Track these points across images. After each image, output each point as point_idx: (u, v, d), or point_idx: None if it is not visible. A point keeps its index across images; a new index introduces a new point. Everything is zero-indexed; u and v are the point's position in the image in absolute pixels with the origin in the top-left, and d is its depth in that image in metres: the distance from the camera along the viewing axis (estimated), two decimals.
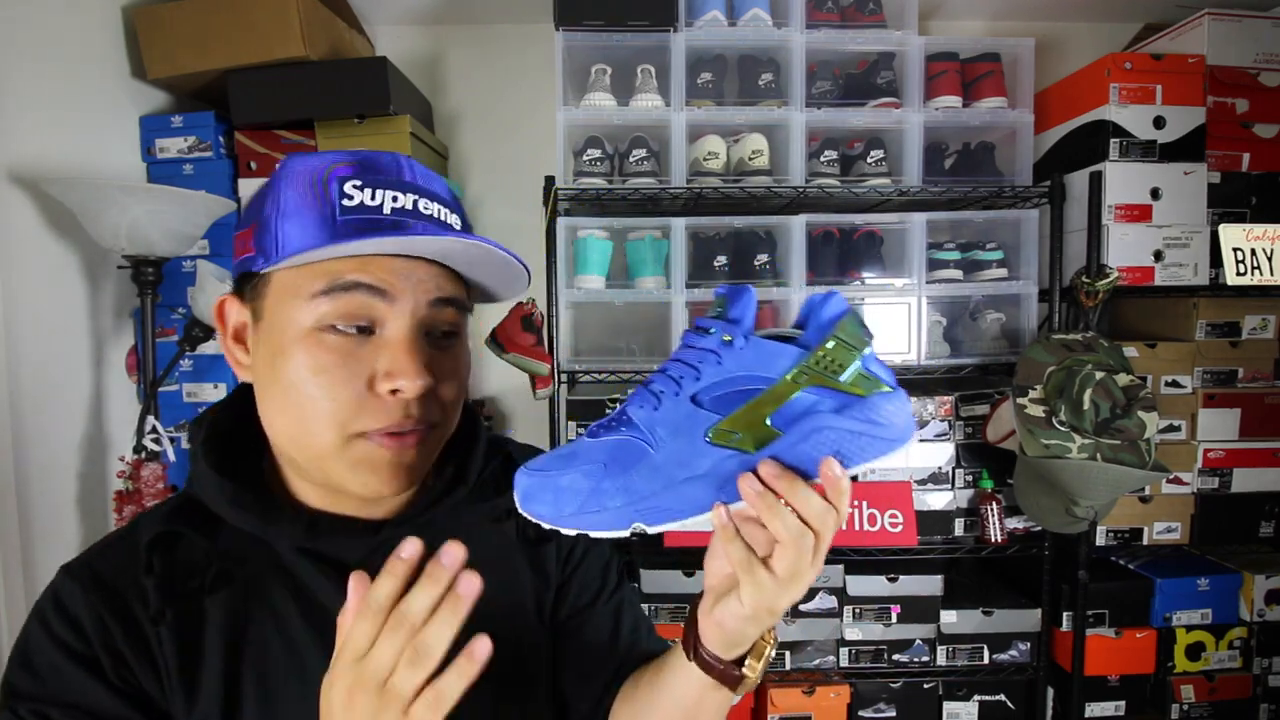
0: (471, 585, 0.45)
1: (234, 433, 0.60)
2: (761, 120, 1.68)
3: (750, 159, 1.65)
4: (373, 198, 0.51)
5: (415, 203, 0.53)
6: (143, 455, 1.43)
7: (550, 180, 1.61)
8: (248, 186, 1.64)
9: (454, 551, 0.45)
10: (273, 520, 0.56)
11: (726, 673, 0.55)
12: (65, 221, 1.38)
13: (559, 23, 1.62)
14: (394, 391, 0.52)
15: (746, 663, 0.55)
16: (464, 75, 2.00)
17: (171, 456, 1.47)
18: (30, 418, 1.32)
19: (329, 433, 0.52)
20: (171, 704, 0.53)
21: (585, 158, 1.65)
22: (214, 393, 1.64)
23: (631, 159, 1.64)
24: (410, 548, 0.46)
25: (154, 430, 1.44)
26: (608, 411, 1.67)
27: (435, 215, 0.55)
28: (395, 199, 0.52)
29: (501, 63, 2.00)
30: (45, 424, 1.36)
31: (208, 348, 1.59)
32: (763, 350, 0.47)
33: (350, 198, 0.51)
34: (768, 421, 0.47)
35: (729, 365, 0.47)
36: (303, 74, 1.58)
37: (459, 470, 0.64)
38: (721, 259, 1.68)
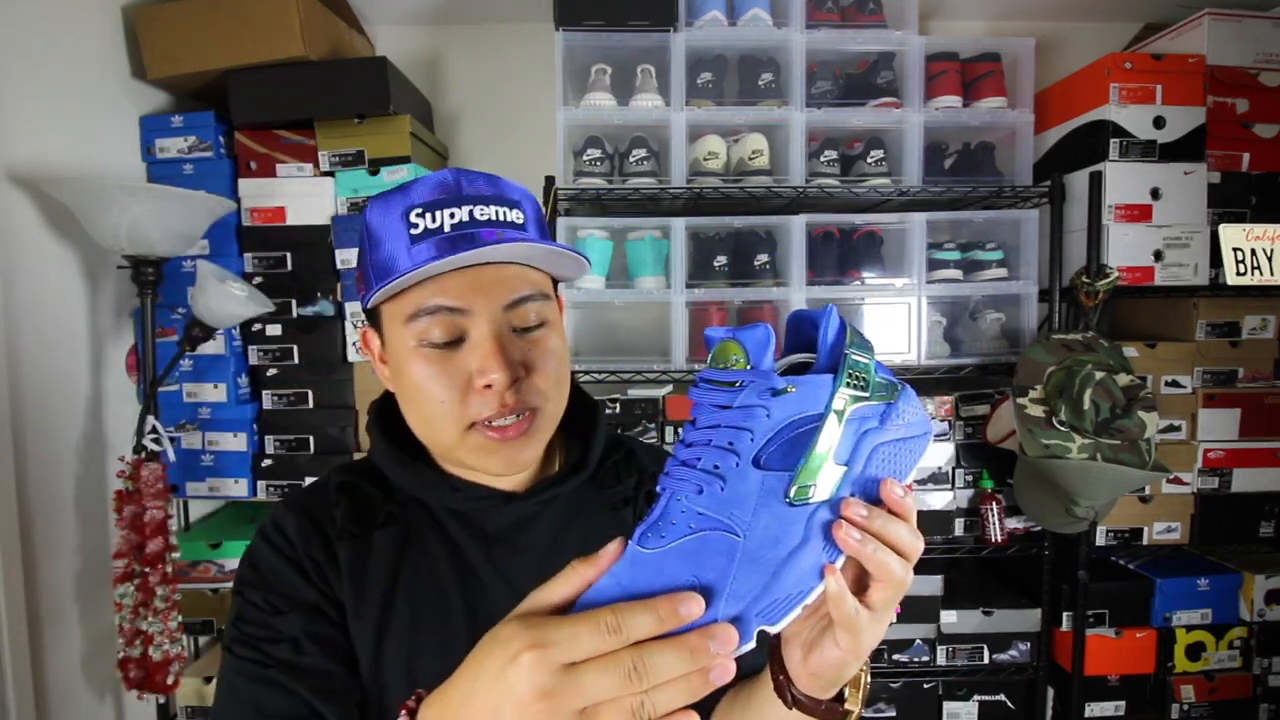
0: (727, 672, 0.39)
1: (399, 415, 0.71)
2: (761, 120, 1.68)
3: (750, 159, 1.65)
4: (434, 220, 0.60)
5: (471, 212, 0.60)
6: (142, 455, 1.43)
7: (550, 180, 1.61)
8: (248, 186, 1.64)
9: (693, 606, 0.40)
10: (425, 481, 0.68)
11: (830, 712, 0.53)
12: (65, 221, 1.38)
13: (559, 23, 1.62)
14: (487, 386, 0.60)
15: (847, 692, 0.53)
16: (464, 75, 2.00)
17: (171, 456, 1.46)
18: (30, 418, 1.32)
19: (450, 427, 0.62)
20: (346, 602, 0.65)
21: (585, 158, 1.65)
22: (214, 393, 1.63)
23: (631, 159, 1.64)
24: (695, 606, 0.39)
25: (154, 430, 1.44)
26: (607, 411, 1.68)
27: (494, 218, 0.61)
28: (452, 215, 0.60)
29: (501, 63, 2.00)
30: (45, 424, 1.36)
31: (207, 348, 1.59)
32: (806, 386, 0.43)
33: (415, 226, 0.60)
34: (833, 459, 0.43)
35: (778, 415, 0.43)
36: (303, 74, 1.58)
37: (580, 456, 0.71)
38: (721, 259, 1.68)
